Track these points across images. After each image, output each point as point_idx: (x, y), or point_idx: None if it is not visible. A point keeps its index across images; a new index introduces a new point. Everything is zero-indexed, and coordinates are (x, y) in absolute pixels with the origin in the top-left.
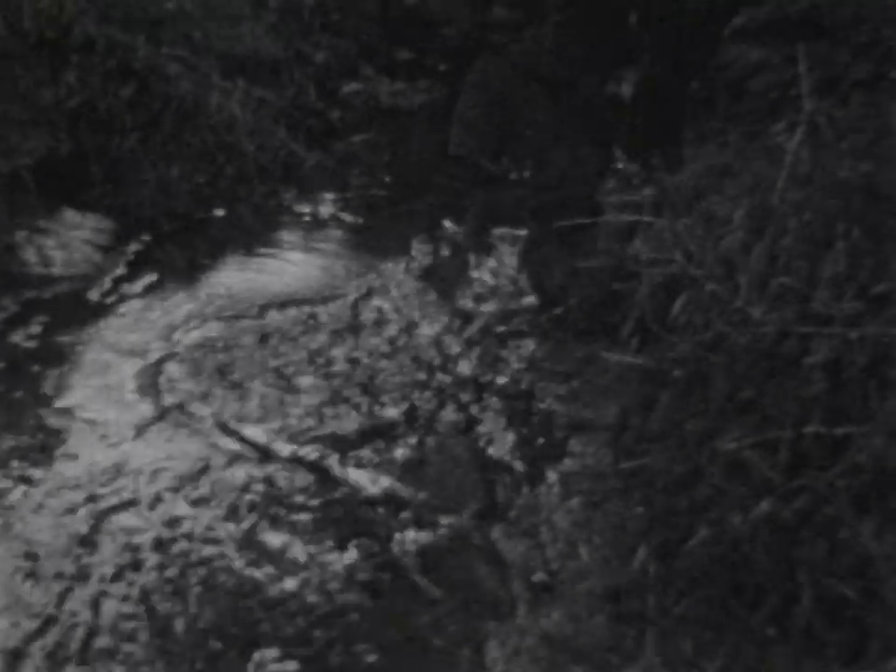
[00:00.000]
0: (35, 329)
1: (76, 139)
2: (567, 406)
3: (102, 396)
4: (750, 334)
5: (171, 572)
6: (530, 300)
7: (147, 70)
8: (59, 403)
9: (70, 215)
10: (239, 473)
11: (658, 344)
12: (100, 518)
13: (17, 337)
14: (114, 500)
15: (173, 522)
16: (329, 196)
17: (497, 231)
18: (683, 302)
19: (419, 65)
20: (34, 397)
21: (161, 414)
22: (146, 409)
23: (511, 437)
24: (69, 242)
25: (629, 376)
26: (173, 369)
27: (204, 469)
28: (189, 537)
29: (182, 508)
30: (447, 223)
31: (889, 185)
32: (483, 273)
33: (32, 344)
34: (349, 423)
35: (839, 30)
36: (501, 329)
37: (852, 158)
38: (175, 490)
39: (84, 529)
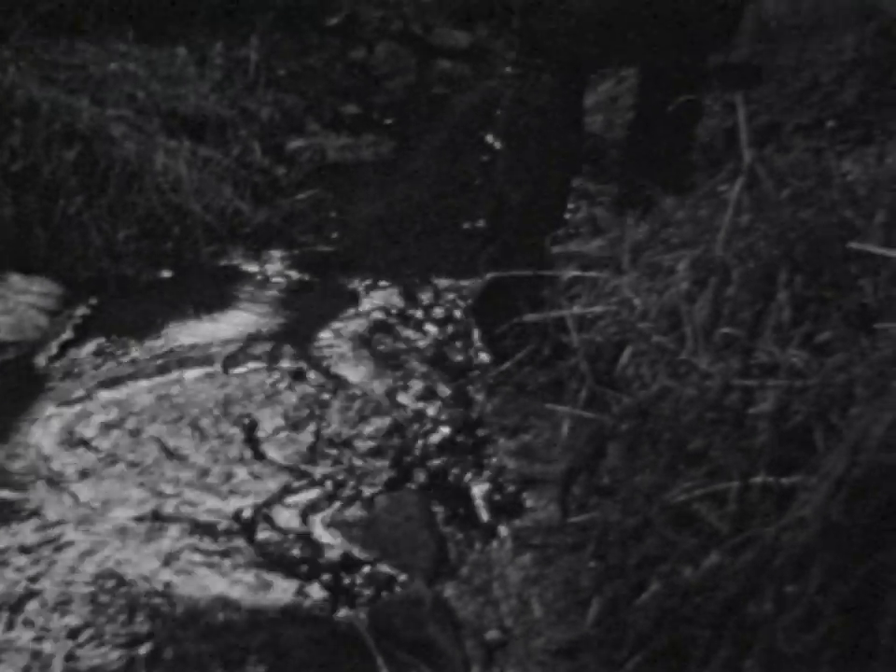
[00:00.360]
0: None
1: (20, 203)
2: (517, 461)
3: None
4: (696, 385)
5: None
6: (477, 353)
7: (92, 132)
8: None
9: (16, 280)
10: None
11: (606, 398)
12: None
13: None
14: None
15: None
16: (276, 254)
17: (444, 283)
18: (629, 355)
19: (365, 119)
20: None
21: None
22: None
23: (461, 493)
24: (15, 307)
25: (579, 430)
26: (114, 434)
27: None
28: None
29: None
30: (394, 277)
31: (829, 232)
32: (428, 327)
33: None
34: (289, 480)
35: (779, 75)
36: (448, 383)
37: (793, 205)
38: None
39: None
